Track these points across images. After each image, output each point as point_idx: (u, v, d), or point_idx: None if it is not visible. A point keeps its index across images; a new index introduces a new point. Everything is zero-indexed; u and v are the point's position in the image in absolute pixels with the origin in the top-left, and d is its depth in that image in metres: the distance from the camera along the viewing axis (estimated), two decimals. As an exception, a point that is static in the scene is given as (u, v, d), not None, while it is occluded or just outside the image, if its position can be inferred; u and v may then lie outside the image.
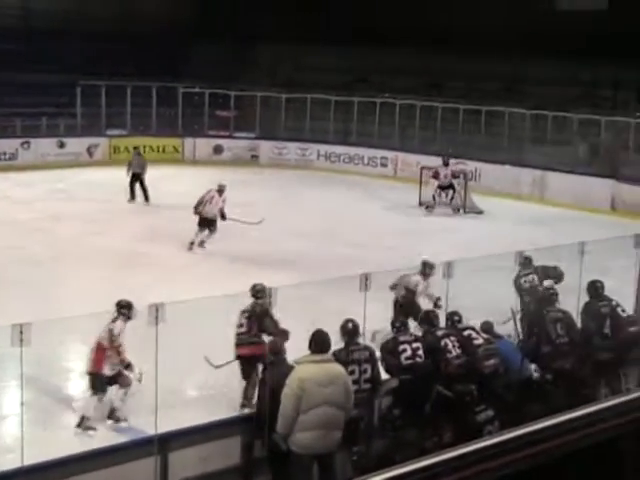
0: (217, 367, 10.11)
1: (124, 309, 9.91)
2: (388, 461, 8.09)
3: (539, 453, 6.41)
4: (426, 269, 12.64)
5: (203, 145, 31.26)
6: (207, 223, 18.61)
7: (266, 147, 31.59)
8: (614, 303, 10.68)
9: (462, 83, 31.90)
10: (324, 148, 31.20)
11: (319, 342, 7.72)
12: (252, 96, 31.80)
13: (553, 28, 29.46)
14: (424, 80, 32.75)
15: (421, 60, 32.91)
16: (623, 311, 10.82)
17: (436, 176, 24.06)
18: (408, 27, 31.69)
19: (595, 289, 10.67)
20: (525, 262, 11.67)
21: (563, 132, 28.07)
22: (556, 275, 11.47)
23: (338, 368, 7.74)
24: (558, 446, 6.52)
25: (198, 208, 18.52)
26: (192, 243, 18.51)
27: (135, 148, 25.76)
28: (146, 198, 23.69)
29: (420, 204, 24.32)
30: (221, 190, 18.87)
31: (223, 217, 18.78)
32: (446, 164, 24.27)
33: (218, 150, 31.24)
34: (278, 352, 8.20)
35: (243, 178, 27.89)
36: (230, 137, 31.74)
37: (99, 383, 9.86)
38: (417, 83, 32.31)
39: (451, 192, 23.94)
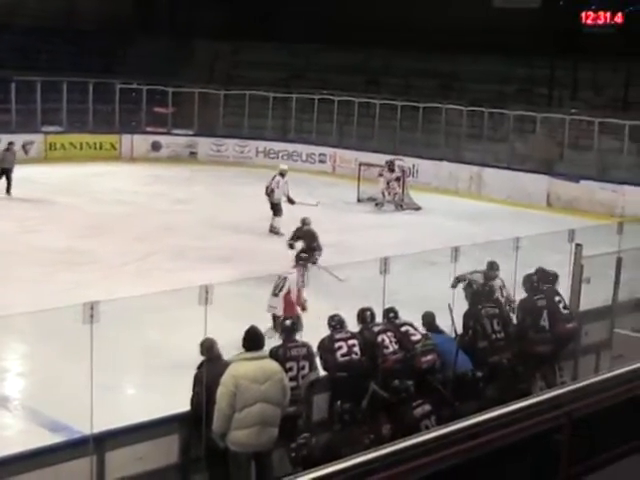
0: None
1: None
2: (333, 455, 8.12)
3: (475, 447, 6.49)
4: None
5: (141, 142, 30.97)
6: (276, 208, 20.00)
7: (204, 144, 31.43)
8: (552, 294, 10.84)
9: (400, 80, 32.07)
10: (262, 145, 31.16)
11: (252, 339, 7.70)
12: (190, 92, 31.62)
13: (489, 25, 29.71)
14: (362, 77, 32.92)
15: (358, 57, 33.07)
16: (565, 307, 10.95)
17: (381, 175, 24.30)
18: (345, 24, 31.74)
19: (531, 283, 10.81)
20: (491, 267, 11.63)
21: (499, 129, 28.36)
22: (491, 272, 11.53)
23: (273, 364, 7.74)
24: (494, 440, 6.60)
25: (270, 195, 20.12)
26: (275, 229, 19.84)
27: (10, 143, 24.46)
28: (8, 191, 23.34)
29: (358, 200, 24.41)
30: (283, 174, 20.43)
31: (291, 201, 20.27)
32: (391, 169, 24.39)
33: (156, 147, 31.01)
34: (211, 349, 8.14)
35: (181, 175, 27.80)
36: (168, 134, 31.54)
37: None
38: (355, 80, 32.45)
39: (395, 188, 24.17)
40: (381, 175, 24.32)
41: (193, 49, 34.78)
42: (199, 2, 35.37)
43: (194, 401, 7.96)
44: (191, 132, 31.60)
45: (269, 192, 20.28)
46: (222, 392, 7.44)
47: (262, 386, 7.47)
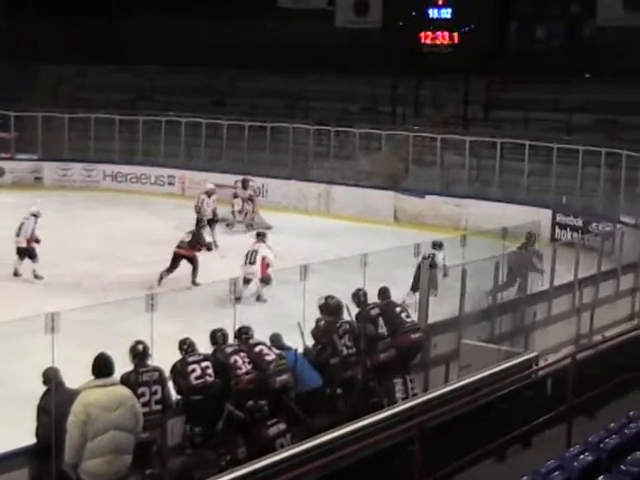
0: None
1: None
2: (187, 479, 8.05)
3: (331, 462, 6.57)
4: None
5: (-18, 168, 29.96)
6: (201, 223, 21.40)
7: (50, 168, 30.62)
8: (391, 306, 11.16)
9: (246, 100, 32.19)
10: (110, 168, 30.60)
11: (102, 366, 7.55)
12: (33, 117, 30.77)
13: (332, 45, 30.17)
14: (208, 98, 32.86)
15: (204, 78, 33.05)
16: (407, 317, 11.21)
17: (236, 196, 24.45)
18: (189, 45, 31.68)
19: (358, 298, 10.98)
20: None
21: (346, 146, 28.78)
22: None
23: (124, 391, 7.61)
24: (348, 454, 6.70)
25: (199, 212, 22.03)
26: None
27: None
28: None
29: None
30: (210, 193, 22.22)
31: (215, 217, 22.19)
32: (245, 187, 24.47)
33: (-1, 172, 30.06)
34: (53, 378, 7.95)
35: (27, 201, 26.93)
36: (11, 159, 30.60)
37: None
38: (201, 101, 32.39)
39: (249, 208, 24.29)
40: (236, 196, 24.36)
41: (36, 72, 33.95)
42: (40, 24, 34.61)
43: (39, 432, 7.74)
44: (35, 157, 30.77)
45: (197, 210, 22.12)
46: (73, 421, 7.26)
47: (113, 413, 7.33)
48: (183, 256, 17.48)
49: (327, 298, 10.58)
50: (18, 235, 18.25)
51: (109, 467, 7.30)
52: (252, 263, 16.79)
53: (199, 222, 21.42)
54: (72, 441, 7.26)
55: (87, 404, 7.28)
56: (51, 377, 7.95)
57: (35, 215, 18.71)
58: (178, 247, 17.63)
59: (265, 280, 16.51)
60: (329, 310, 10.43)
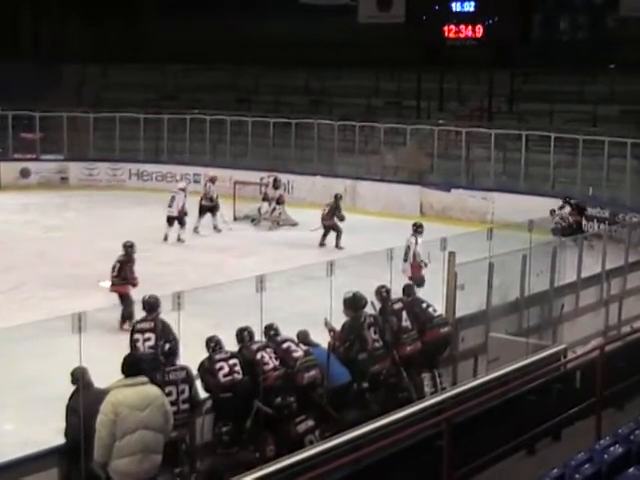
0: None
1: None
2: (218, 478, 8.06)
3: (360, 458, 6.57)
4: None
5: (8, 169, 30.12)
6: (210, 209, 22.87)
7: (76, 168, 30.85)
8: (418, 301, 11.21)
9: (270, 97, 32.24)
10: (135, 167, 30.81)
11: (131, 365, 7.56)
12: (58, 117, 30.96)
13: (355, 40, 30.18)
14: (232, 95, 32.93)
15: (228, 76, 33.12)
16: (435, 311, 11.20)
17: (266, 198, 24.54)
18: (213, 43, 31.76)
19: (380, 294, 10.98)
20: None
21: (370, 142, 28.75)
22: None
23: (154, 390, 7.60)
24: (377, 450, 6.69)
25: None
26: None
27: None
28: None
29: (235, 219, 24.36)
30: (214, 179, 23.31)
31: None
32: (276, 187, 24.52)
33: (25, 174, 30.25)
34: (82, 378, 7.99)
35: (53, 201, 27.22)
36: (37, 160, 30.82)
37: None
38: (225, 98, 32.45)
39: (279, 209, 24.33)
40: (265, 198, 24.45)
41: (60, 72, 34.14)
42: (64, 24, 34.81)
43: (68, 432, 7.78)
44: (61, 157, 30.98)
45: (208, 197, 23.05)
46: (102, 420, 7.28)
47: (142, 413, 7.33)
48: None
49: (354, 293, 10.55)
50: (170, 206, 21.63)
51: (139, 466, 7.32)
52: (404, 260, 15.37)
53: (203, 209, 22.81)
54: (101, 440, 7.28)
55: (116, 403, 7.30)
56: (79, 377, 7.99)
57: (183, 190, 22.21)
58: None
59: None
60: (354, 304, 10.40)
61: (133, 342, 9.89)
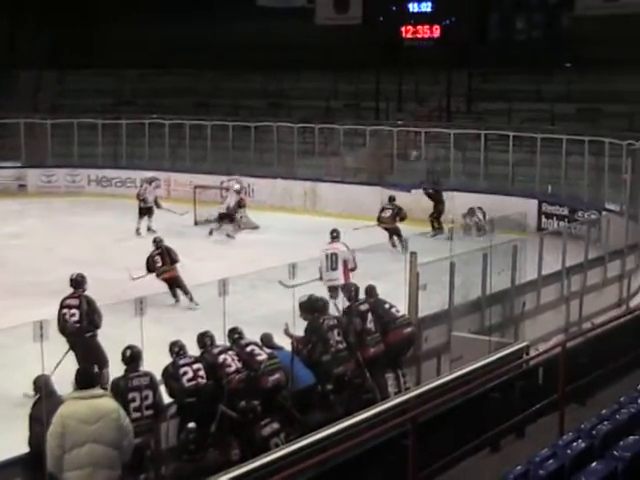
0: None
1: None
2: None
3: (325, 460, 6.56)
4: None
5: (-35, 177, 29.83)
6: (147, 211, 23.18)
7: (34, 175, 30.52)
8: (380, 302, 11.20)
9: (228, 100, 32.19)
10: (94, 173, 30.56)
11: (83, 377, 7.48)
12: (15, 123, 30.67)
13: (312, 42, 30.21)
14: (190, 99, 32.83)
15: (186, 80, 33.03)
16: (397, 312, 11.24)
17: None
18: (169, 47, 31.69)
19: (349, 292, 11.12)
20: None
21: (330, 143, 28.78)
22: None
23: (108, 403, 7.47)
24: (343, 451, 6.69)
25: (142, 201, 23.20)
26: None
27: None
28: None
29: (195, 223, 24.27)
30: (150, 181, 23.82)
31: (158, 205, 23.28)
32: (238, 192, 24.48)
33: (-19, 181, 29.92)
34: (44, 386, 7.92)
35: (11, 209, 26.94)
36: (-6, 167, 30.50)
37: None
38: (184, 102, 32.34)
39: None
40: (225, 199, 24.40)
41: (15, 78, 33.87)
42: (19, 30, 34.51)
43: (32, 441, 7.71)
44: (19, 164, 30.66)
45: (141, 199, 23.28)
46: (50, 432, 7.20)
47: (92, 426, 7.19)
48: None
49: (309, 296, 10.57)
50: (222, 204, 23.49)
51: None
52: (334, 269, 14.92)
53: (141, 211, 23.14)
54: (51, 451, 7.19)
55: (65, 415, 7.20)
56: (41, 385, 7.92)
57: (238, 192, 23.64)
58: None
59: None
60: (310, 307, 10.42)
61: (61, 315, 11.58)
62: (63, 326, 11.55)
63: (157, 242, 16.91)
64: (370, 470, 7.03)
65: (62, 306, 11.74)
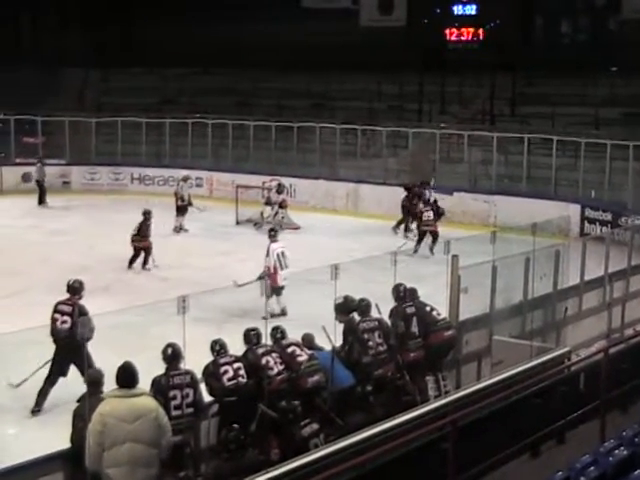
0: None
1: None
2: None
3: (364, 462, 6.57)
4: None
5: (10, 174, 30.12)
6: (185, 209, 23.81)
7: (78, 173, 30.88)
8: (422, 305, 11.09)
9: (271, 100, 32.26)
10: (137, 171, 30.80)
11: (124, 376, 7.49)
12: (60, 121, 30.99)
13: (357, 44, 30.23)
14: (233, 99, 32.95)
15: (228, 79, 33.14)
16: (438, 314, 11.19)
17: (268, 203, 24.64)
18: (213, 47, 31.82)
19: (397, 292, 10.99)
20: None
21: (373, 145, 28.77)
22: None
23: (147, 402, 7.52)
24: (382, 453, 6.70)
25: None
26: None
27: None
28: None
29: (237, 223, 24.38)
30: (186, 179, 24.58)
31: (190, 203, 23.81)
32: (280, 192, 24.59)
33: (27, 178, 30.20)
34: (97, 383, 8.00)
35: (55, 206, 27.25)
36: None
37: None
38: (227, 102, 32.49)
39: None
40: (268, 202, 24.49)
41: (61, 77, 34.21)
42: (65, 29, 34.86)
43: (73, 437, 7.77)
44: (63, 161, 30.98)
45: (179, 197, 23.83)
46: (90, 429, 7.25)
47: (131, 425, 7.23)
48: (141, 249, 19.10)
49: (344, 297, 10.54)
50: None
51: (127, 478, 7.26)
52: (288, 267, 15.91)
53: (180, 209, 23.68)
54: (90, 449, 7.24)
55: (104, 414, 7.24)
56: (93, 379, 8.01)
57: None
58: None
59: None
60: (345, 308, 10.40)
61: (53, 320, 11.32)
62: (53, 329, 11.33)
63: (149, 213, 19.31)
64: (409, 473, 7.02)
65: (55, 310, 11.48)
